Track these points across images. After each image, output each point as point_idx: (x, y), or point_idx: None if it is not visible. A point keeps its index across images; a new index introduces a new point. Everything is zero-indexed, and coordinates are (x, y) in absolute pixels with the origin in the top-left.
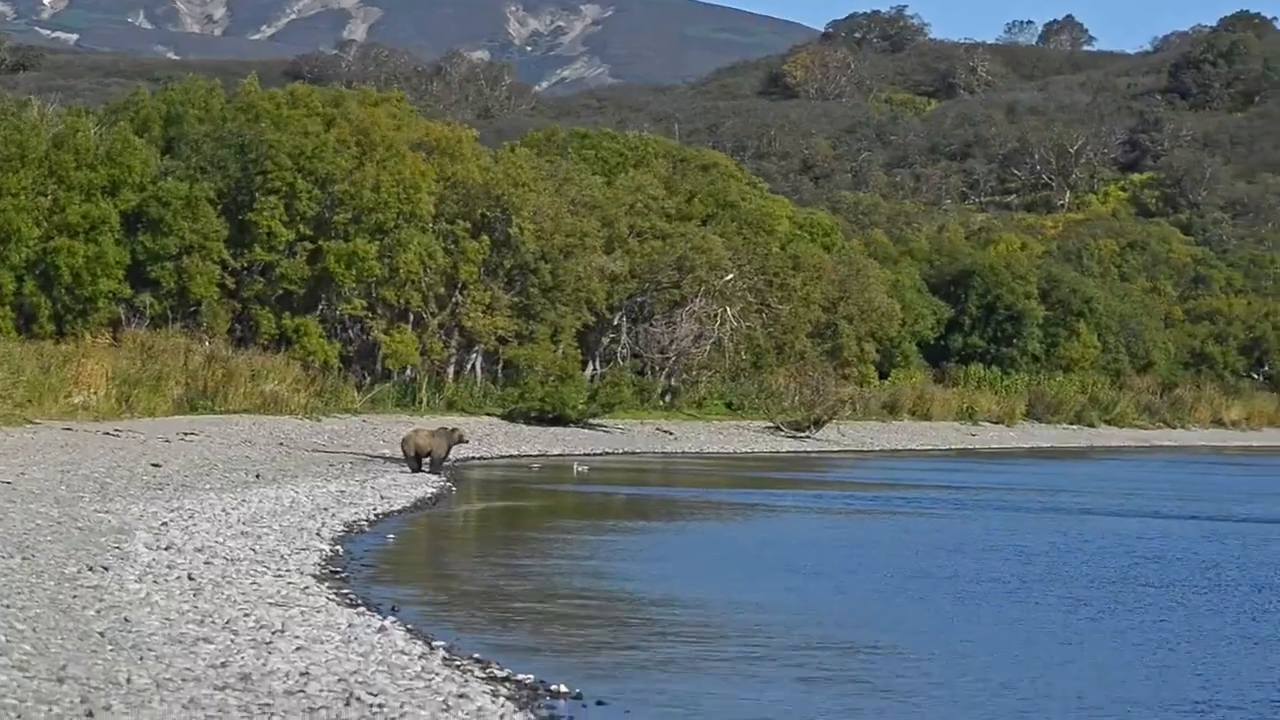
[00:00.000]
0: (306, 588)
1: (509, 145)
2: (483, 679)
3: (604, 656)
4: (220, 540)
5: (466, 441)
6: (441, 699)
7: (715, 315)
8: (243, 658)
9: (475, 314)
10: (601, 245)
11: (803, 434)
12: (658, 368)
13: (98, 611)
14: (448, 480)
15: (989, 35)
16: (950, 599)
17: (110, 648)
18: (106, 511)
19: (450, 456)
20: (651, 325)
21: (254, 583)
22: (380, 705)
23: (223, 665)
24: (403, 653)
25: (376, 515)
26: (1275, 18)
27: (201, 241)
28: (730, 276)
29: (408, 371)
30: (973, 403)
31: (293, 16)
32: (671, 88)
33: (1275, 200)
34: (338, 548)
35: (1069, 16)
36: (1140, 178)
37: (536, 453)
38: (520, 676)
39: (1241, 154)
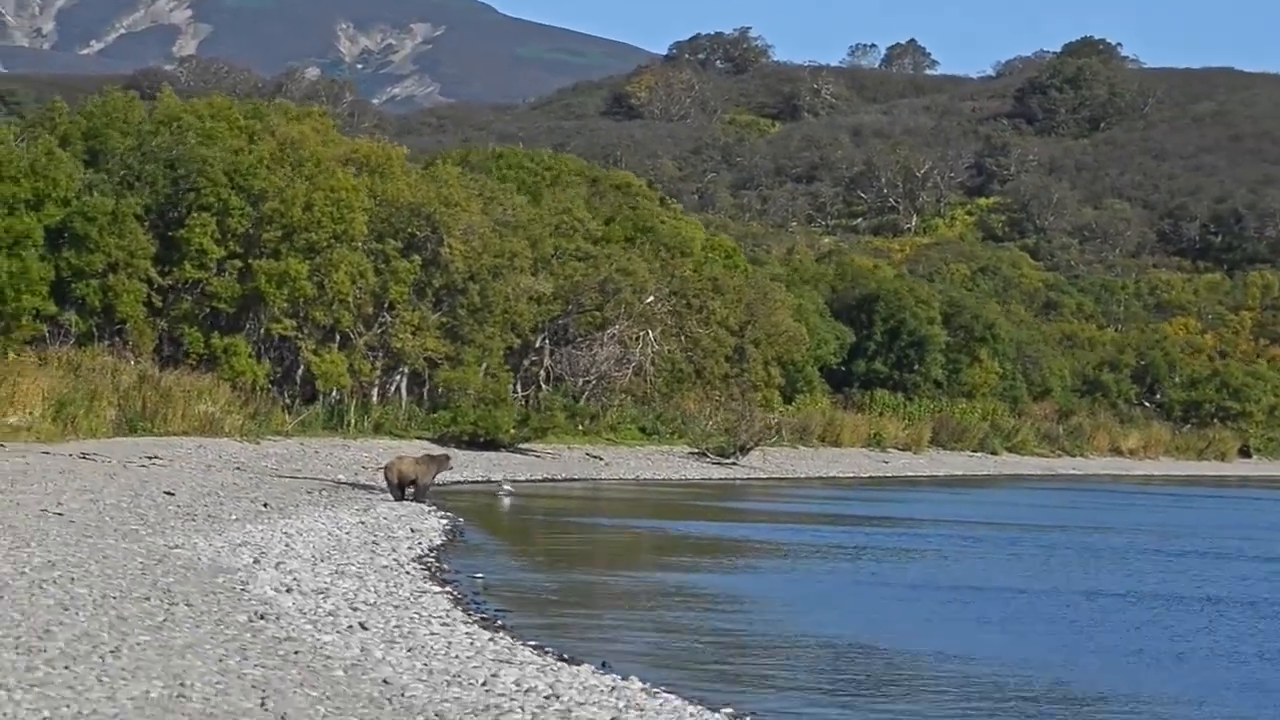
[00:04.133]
0: (493, 638)
1: (441, 160)
2: None
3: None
4: (329, 581)
5: (453, 468)
6: None
7: (637, 338)
8: None
9: (404, 335)
10: (529, 266)
11: (728, 460)
12: (579, 392)
13: (345, 672)
14: (442, 509)
15: (832, 58)
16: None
17: (422, 719)
18: (177, 546)
19: (436, 483)
20: (575, 348)
21: (431, 633)
22: None
23: None
24: None
25: (430, 550)
26: (1119, 44)
27: (128, 259)
28: (650, 299)
29: (334, 393)
30: (880, 429)
31: (122, 31)
32: (512, 106)
33: (1123, 226)
34: (448, 589)
35: (911, 40)
36: (987, 202)
37: (479, 477)
38: None
39: (1087, 180)
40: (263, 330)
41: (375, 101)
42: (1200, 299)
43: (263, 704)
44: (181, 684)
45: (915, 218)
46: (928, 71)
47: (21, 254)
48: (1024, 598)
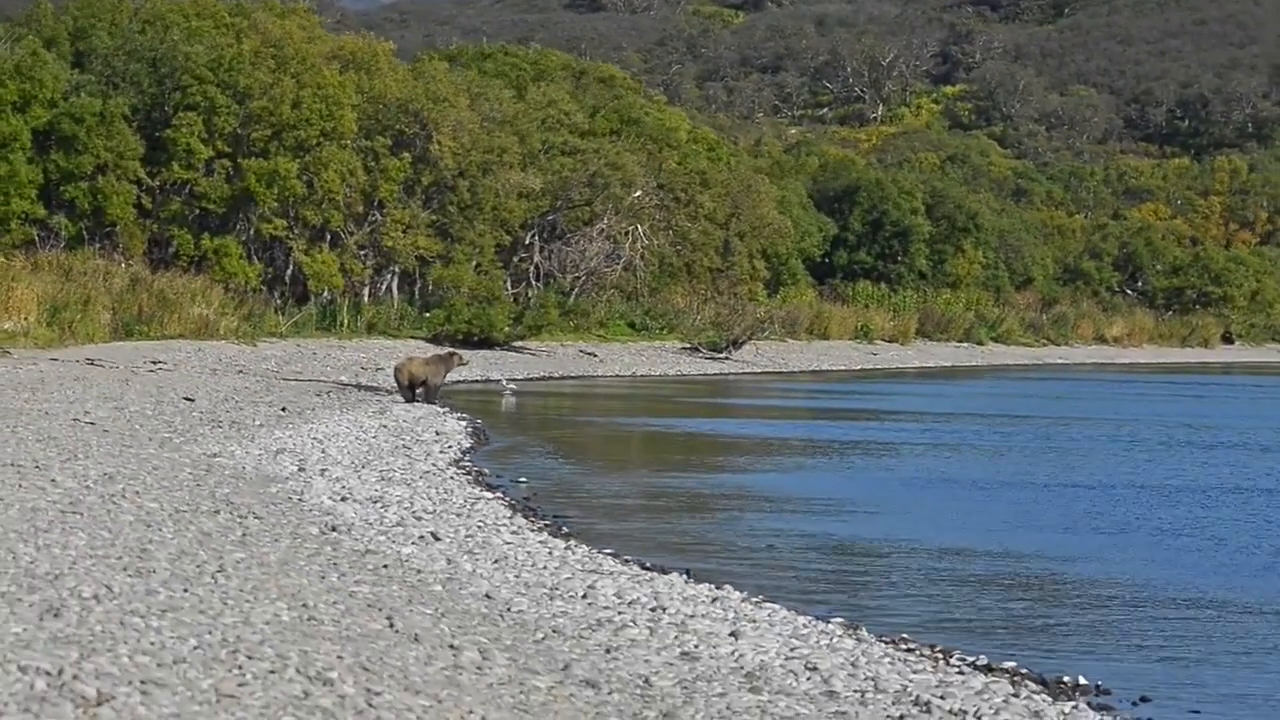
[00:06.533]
0: (568, 547)
1: (427, 57)
2: (977, 670)
3: (1010, 626)
4: (379, 489)
5: (466, 364)
6: (1001, 700)
7: (627, 233)
8: (697, 647)
9: (395, 233)
10: (518, 162)
11: (721, 355)
12: (569, 288)
13: (443, 587)
14: (454, 411)
15: None
16: None
17: (542, 635)
18: (217, 454)
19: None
20: (565, 244)
21: (506, 543)
22: (962, 712)
23: (691, 658)
24: (827, 634)
25: (462, 453)
26: None
27: (117, 160)
28: (638, 193)
29: (325, 294)
30: (867, 321)
31: None
32: (473, 0)
33: (1090, 113)
34: (499, 495)
35: None
36: (952, 90)
37: (477, 377)
38: (1007, 665)
39: (1053, 66)
40: (253, 231)
41: None
42: (1169, 184)
43: (391, 624)
44: (304, 605)
45: (881, 107)
46: None
47: (9, 157)
48: (1095, 494)
